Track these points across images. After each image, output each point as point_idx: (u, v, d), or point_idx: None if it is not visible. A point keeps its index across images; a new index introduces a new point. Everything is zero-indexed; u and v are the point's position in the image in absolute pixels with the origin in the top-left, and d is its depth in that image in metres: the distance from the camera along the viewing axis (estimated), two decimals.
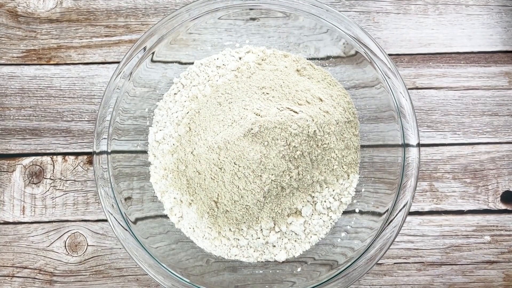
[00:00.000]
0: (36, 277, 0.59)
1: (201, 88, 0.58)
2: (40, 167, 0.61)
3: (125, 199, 0.54)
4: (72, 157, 0.61)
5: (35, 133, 0.61)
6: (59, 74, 0.62)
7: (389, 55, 0.61)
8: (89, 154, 0.61)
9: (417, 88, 0.63)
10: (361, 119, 0.58)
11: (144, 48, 0.54)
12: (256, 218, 0.54)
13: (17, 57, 0.62)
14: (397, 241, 0.60)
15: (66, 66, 0.62)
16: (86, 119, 0.62)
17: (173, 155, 0.56)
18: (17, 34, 0.63)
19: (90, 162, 0.61)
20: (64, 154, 0.61)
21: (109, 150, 0.53)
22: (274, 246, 0.56)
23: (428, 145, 0.62)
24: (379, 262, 0.60)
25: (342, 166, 0.56)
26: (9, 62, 0.62)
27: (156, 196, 0.57)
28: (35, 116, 0.62)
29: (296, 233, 0.55)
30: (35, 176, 0.61)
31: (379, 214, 0.54)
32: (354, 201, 0.57)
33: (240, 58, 0.59)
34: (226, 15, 0.57)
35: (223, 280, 0.55)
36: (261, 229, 0.54)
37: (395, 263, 0.60)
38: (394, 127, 0.54)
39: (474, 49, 0.63)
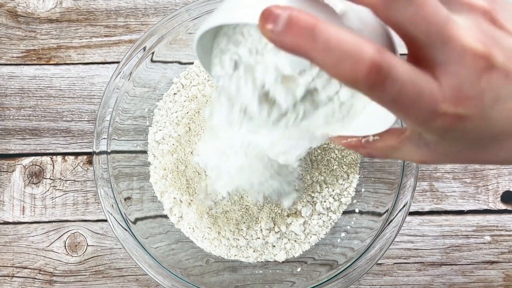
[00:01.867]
0: (36, 277, 0.59)
1: (201, 88, 0.58)
2: (40, 167, 0.61)
3: (125, 199, 0.54)
4: (72, 157, 0.61)
5: (35, 133, 0.61)
6: (59, 74, 0.62)
7: None
8: (89, 154, 0.61)
9: None
10: None
11: (144, 48, 0.54)
12: (256, 218, 0.53)
13: (16, 57, 0.62)
14: (397, 241, 0.60)
15: (65, 66, 0.62)
16: (86, 119, 0.62)
17: (172, 155, 0.56)
18: (17, 34, 0.63)
19: (90, 162, 0.61)
20: (64, 154, 0.61)
21: (108, 150, 0.53)
22: (274, 246, 0.56)
23: None
24: (379, 262, 0.59)
25: (342, 166, 0.56)
26: (9, 62, 0.62)
27: (156, 196, 0.57)
28: (35, 116, 0.62)
29: (295, 233, 0.55)
30: (35, 176, 0.61)
31: (379, 214, 0.54)
32: (354, 201, 0.57)
33: None
34: None
35: (223, 280, 0.55)
36: (261, 230, 0.54)
37: (395, 263, 0.60)
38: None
39: None
